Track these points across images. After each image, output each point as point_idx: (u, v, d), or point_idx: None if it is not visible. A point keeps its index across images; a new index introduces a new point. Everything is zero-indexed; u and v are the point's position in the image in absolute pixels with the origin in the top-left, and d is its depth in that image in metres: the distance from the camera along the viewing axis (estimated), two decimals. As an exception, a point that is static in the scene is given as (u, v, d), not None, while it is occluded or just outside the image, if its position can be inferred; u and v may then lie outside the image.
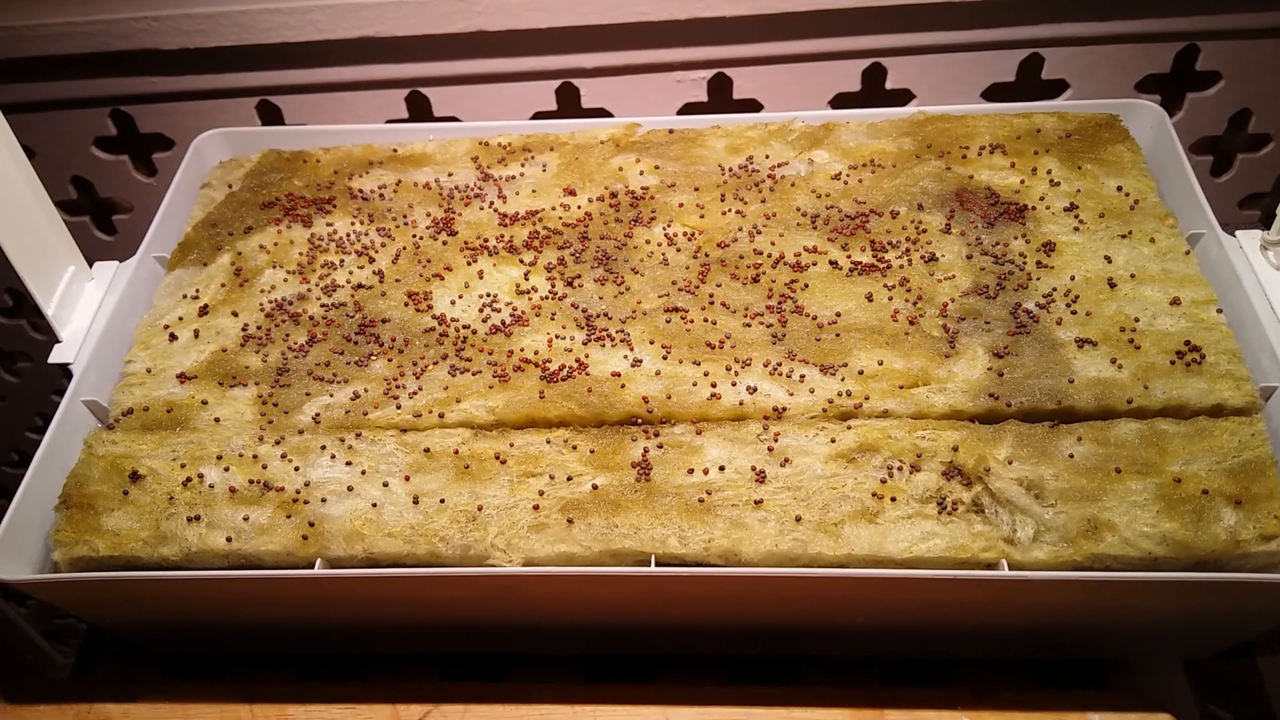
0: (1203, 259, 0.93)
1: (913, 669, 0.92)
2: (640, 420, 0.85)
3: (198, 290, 0.97)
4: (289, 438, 0.85)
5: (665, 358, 0.88)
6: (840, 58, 1.22)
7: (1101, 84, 1.24)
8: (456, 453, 0.84)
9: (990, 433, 0.82)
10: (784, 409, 0.84)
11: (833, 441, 0.82)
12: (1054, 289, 0.90)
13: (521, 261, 0.97)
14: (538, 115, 1.25)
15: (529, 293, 0.94)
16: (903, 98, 1.25)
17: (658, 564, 0.78)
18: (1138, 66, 1.23)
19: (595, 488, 0.81)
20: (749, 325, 0.90)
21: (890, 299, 0.91)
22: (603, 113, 1.25)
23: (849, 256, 0.94)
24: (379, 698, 0.85)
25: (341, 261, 0.98)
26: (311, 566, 0.80)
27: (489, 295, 0.94)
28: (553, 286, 0.94)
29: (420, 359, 0.90)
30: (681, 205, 1.00)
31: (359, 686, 0.87)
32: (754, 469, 0.81)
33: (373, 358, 0.90)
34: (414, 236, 1.00)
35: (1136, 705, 0.83)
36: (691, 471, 0.81)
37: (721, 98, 1.25)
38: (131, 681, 0.88)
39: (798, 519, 0.78)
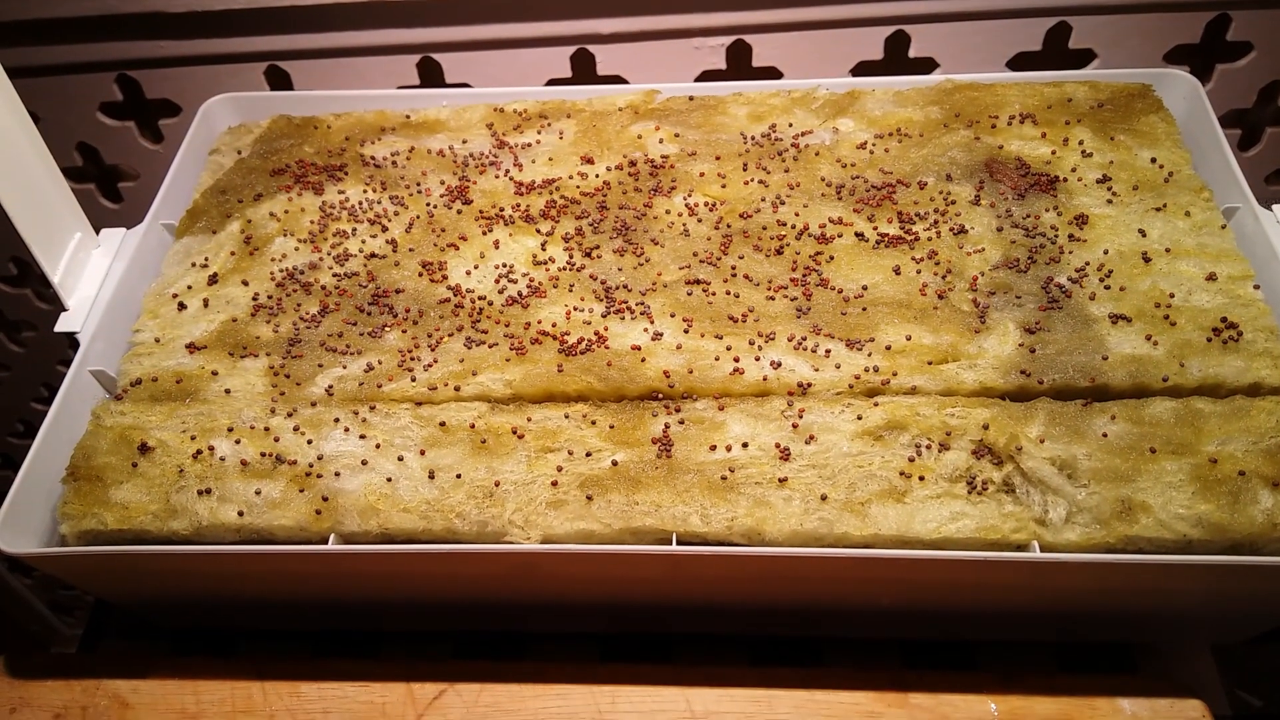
0: (1238, 233, 0.90)
1: (937, 651, 0.90)
2: (661, 395, 0.83)
3: (207, 258, 0.95)
4: (301, 410, 0.83)
5: (686, 331, 0.86)
6: (862, 25, 1.19)
7: (1130, 54, 1.21)
8: (473, 427, 0.82)
9: (1021, 410, 0.79)
10: (809, 385, 0.82)
11: (859, 419, 0.80)
12: (1087, 263, 0.88)
13: (538, 231, 0.94)
14: (552, 82, 1.22)
15: (546, 264, 0.92)
16: (926, 66, 1.22)
17: (679, 542, 0.76)
18: (1167, 36, 1.20)
19: (615, 464, 0.79)
20: (772, 298, 0.87)
21: (918, 272, 0.88)
22: (618, 80, 1.22)
23: (875, 228, 0.92)
24: (393, 676, 0.84)
25: (354, 230, 0.96)
26: (325, 542, 0.78)
27: (505, 266, 0.92)
28: (570, 257, 0.92)
29: (435, 330, 0.88)
30: (702, 174, 0.98)
31: (373, 664, 0.86)
32: (778, 446, 0.79)
33: (386, 329, 0.88)
34: (428, 205, 0.98)
35: (1167, 690, 0.81)
36: (714, 448, 0.79)
37: (740, 65, 1.23)
38: (140, 658, 0.87)
39: (823, 498, 0.76)
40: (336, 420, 0.82)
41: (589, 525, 0.77)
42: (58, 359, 1.50)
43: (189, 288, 0.93)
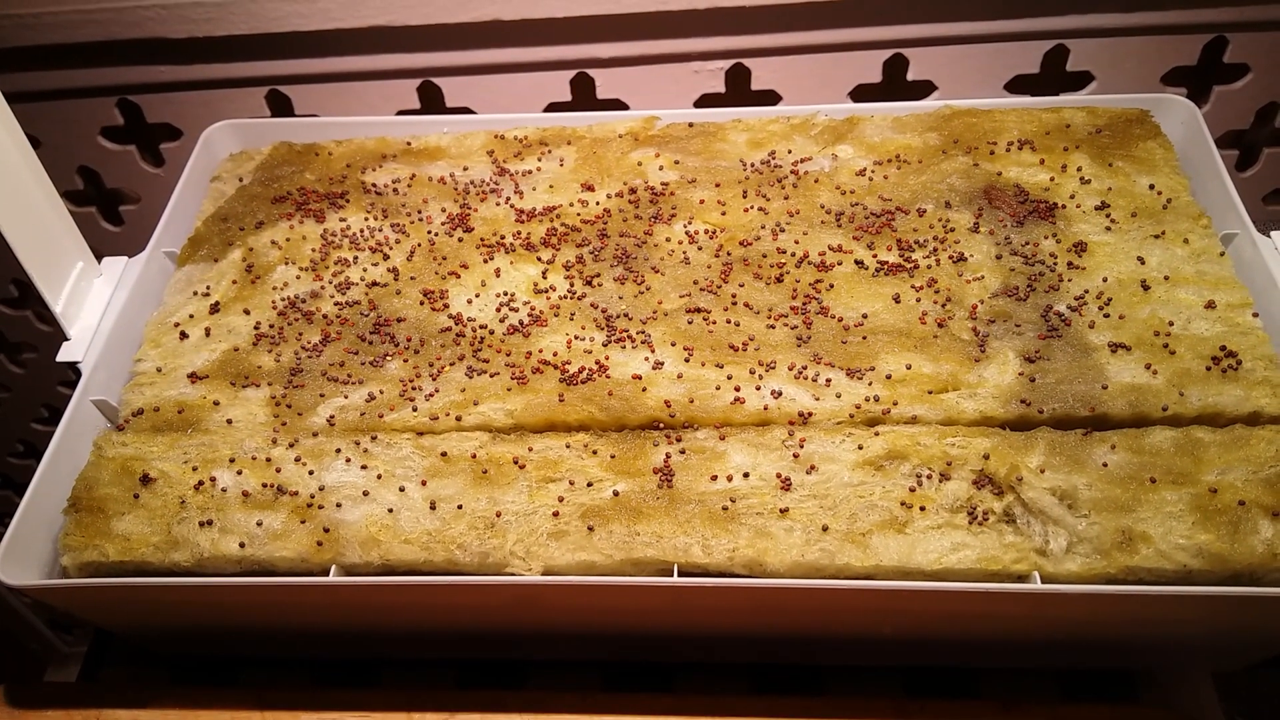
0: (1236, 260, 0.91)
1: (939, 679, 0.90)
2: (662, 425, 0.83)
3: (209, 287, 0.95)
4: (303, 440, 0.83)
5: (687, 360, 0.86)
6: (861, 48, 1.19)
7: (1128, 76, 1.21)
8: (474, 457, 0.82)
9: (1022, 440, 0.80)
10: (810, 414, 0.82)
11: (860, 448, 0.80)
12: (1086, 291, 0.88)
13: (539, 259, 0.94)
14: (552, 106, 1.23)
15: (547, 292, 0.92)
16: (924, 90, 1.23)
17: (680, 573, 0.76)
18: (1165, 59, 1.20)
19: (616, 494, 0.79)
20: (773, 327, 0.88)
21: (918, 300, 0.88)
22: (618, 104, 1.23)
23: (875, 256, 0.92)
24: (395, 705, 0.84)
25: (355, 258, 0.96)
26: (326, 573, 0.78)
27: (506, 294, 0.92)
28: (571, 285, 0.92)
29: (436, 359, 0.88)
30: (702, 202, 0.98)
31: (374, 694, 0.86)
32: (779, 476, 0.79)
33: (388, 358, 0.88)
34: (429, 233, 0.98)
35: (1168, 718, 0.81)
36: (715, 478, 0.79)
37: (739, 89, 1.23)
38: (140, 687, 0.87)
39: (824, 528, 0.76)
40: (338, 451, 0.82)
41: (590, 556, 0.77)
42: (58, 380, 1.50)
43: (191, 316, 0.93)
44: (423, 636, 0.89)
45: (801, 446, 0.80)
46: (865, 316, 0.88)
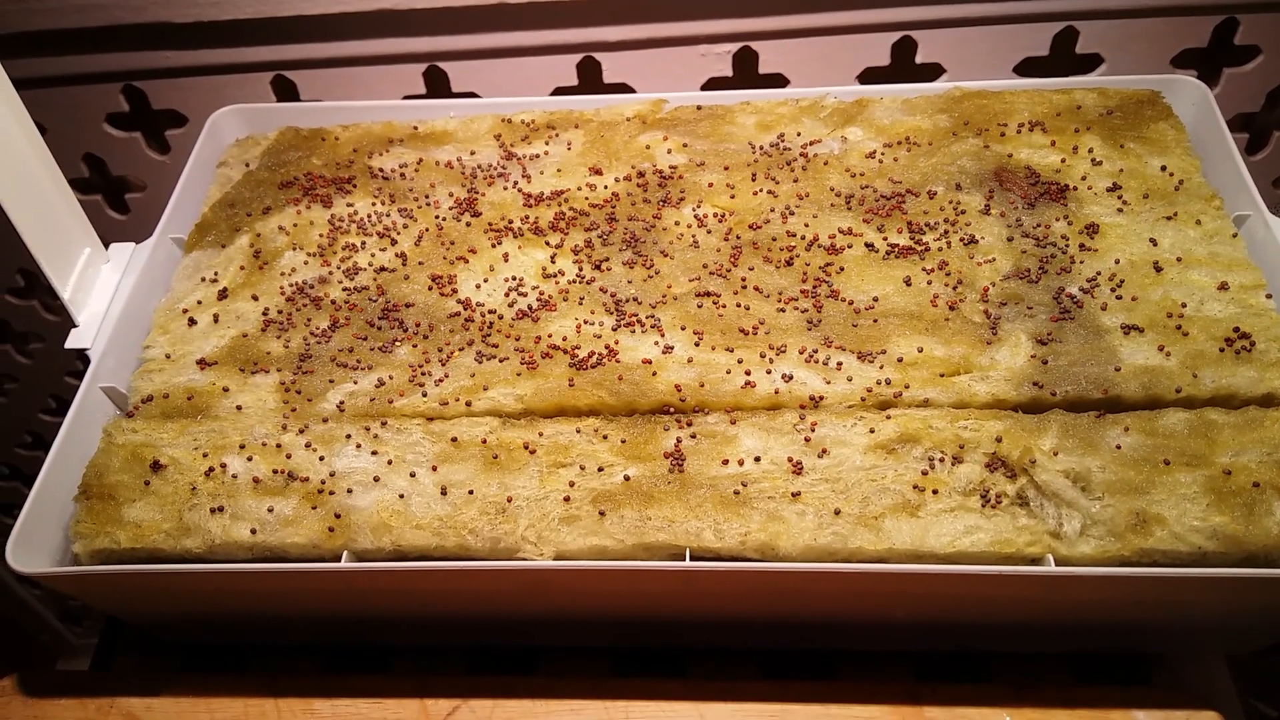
0: (1249, 242, 0.90)
1: (951, 664, 0.90)
2: (672, 409, 0.83)
3: (216, 273, 0.95)
4: (313, 426, 0.83)
5: (697, 344, 0.85)
6: (869, 31, 1.18)
7: (1137, 58, 1.20)
8: (484, 442, 0.82)
9: (1034, 422, 0.79)
10: (821, 397, 0.82)
11: (872, 431, 0.79)
12: (1098, 273, 0.87)
13: (548, 244, 0.94)
14: (558, 90, 1.22)
15: (556, 276, 0.92)
16: (933, 72, 1.22)
17: (692, 558, 0.76)
18: (1175, 40, 1.19)
19: (627, 479, 0.79)
20: (783, 310, 0.87)
21: (929, 283, 0.88)
22: (625, 88, 1.22)
23: (885, 239, 0.92)
24: (407, 692, 0.84)
25: (363, 243, 0.96)
26: (338, 559, 0.78)
27: (515, 279, 0.92)
28: (580, 270, 0.92)
29: (446, 345, 0.87)
30: (711, 185, 0.97)
31: (386, 680, 0.86)
32: (790, 460, 0.79)
33: (397, 343, 0.88)
34: (437, 217, 0.97)
35: (1182, 701, 0.81)
36: (726, 462, 0.79)
37: (747, 72, 1.22)
38: (153, 675, 0.87)
39: (836, 512, 0.76)
40: (348, 436, 0.82)
41: (602, 541, 0.77)
42: (65, 370, 1.50)
43: (199, 303, 0.93)
44: (434, 622, 0.89)
45: (813, 430, 0.80)
46: (876, 299, 0.87)
